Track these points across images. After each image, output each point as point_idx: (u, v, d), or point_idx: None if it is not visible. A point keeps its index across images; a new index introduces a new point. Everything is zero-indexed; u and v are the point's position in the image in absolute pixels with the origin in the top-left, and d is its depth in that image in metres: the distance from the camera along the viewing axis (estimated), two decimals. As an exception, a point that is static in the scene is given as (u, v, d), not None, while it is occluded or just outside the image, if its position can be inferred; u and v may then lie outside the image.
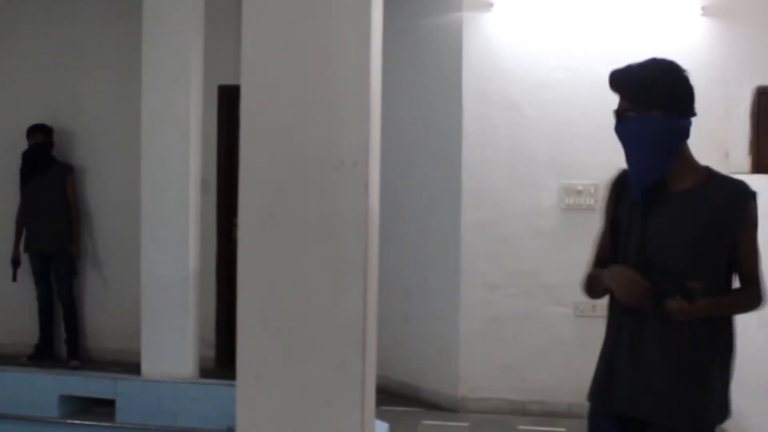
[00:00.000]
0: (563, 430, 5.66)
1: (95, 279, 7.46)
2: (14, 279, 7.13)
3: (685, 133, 2.65)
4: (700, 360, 2.61)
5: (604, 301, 2.83)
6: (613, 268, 2.68)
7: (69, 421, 5.32)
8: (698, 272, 2.58)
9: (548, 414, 5.94)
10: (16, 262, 7.14)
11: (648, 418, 2.64)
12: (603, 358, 2.76)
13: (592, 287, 2.83)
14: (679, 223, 2.63)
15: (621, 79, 2.68)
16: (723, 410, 2.68)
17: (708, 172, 2.69)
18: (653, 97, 2.61)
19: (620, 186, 2.79)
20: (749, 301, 2.69)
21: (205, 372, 5.70)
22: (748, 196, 2.63)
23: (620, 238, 2.74)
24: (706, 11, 5.85)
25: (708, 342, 2.61)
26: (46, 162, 7.14)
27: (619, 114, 2.68)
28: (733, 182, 2.67)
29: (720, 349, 2.65)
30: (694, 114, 2.66)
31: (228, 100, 7.07)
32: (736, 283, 2.71)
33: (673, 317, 2.53)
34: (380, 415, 3.71)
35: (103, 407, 5.45)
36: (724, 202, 2.60)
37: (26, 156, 7.14)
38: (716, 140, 5.76)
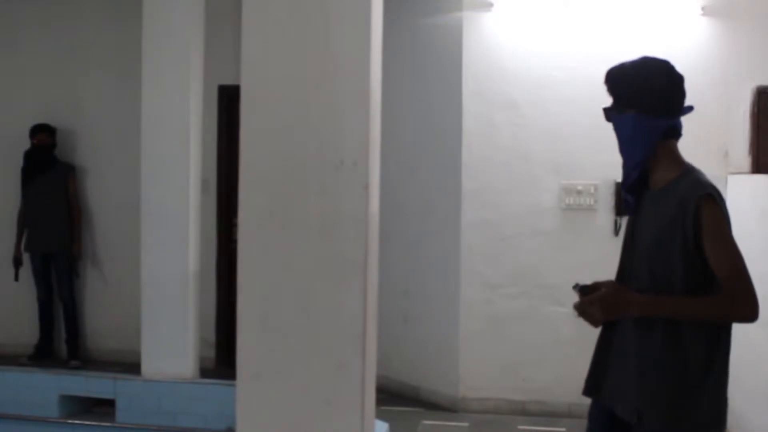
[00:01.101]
0: (563, 430, 5.66)
1: (95, 279, 7.46)
2: (16, 279, 7.13)
3: (662, 133, 2.63)
4: (676, 364, 2.55)
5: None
6: None
7: (69, 421, 5.32)
8: (663, 274, 2.57)
9: (548, 414, 5.94)
10: (17, 262, 7.15)
11: (625, 417, 2.65)
12: (594, 353, 2.83)
13: None
14: (647, 223, 2.66)
15: (608, 77, 2.73)
16: (710, 419, 2.58)
17: (682, 171, 2.64)
18: (629, 96, 2.66)
19: None
20: (717, 307, 2.51)
21: (205, 372, 5.70)
22: (702, 197, 2.52)
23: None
24: (706, 11, 5.85)
25: (686, 346, 2.54)
26: (48, 162, 7.14)
27: (605, 111, 2.77)
28: (694, 183, 2.58)
29: (703, 354, 2.55)
30: (679, 114, 2.65)
31: (228, 100, 7.07)
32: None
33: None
34: (380, 415, 3.71)
35: (103, 407, 5.45)
36: (678, 203, 2.55)
37: (29, 155, 7.14)
38: (716, 140, 5.76)
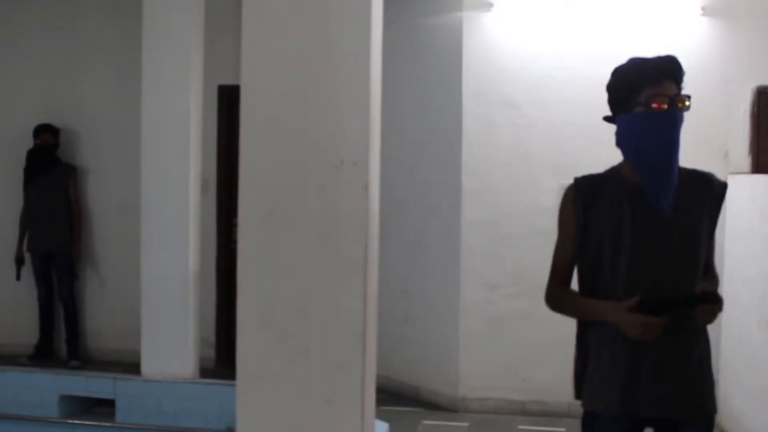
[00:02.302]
0: (563, 430, 5.66)
1: (95, 279, 7.46)
2: (18, 278, 7.14)
3: None
4: (706, 351, 2.68)
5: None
6: (621, 311, 2.54)
7: (69, 421, 5.33)
8: (698, 268, 2.61)
9: (548, 414, 5.94)
10: (19, 261, 7.16)
11: (691, 415, 2.63)
12: (627, 369, 2.64)
13: (570, 310, 2.77)
14: (674, 222, 2.59)
15: (680, 66, 2.60)
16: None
17: None
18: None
19: (586, 194, 2.73)
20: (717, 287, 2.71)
21: (205, 372, 5.70)
22: (725, 185, 2.67)
23: (603, 247, 2.65)
24: (706, 11, 5.85)
25: (705, 333, 2.69)
26: (50, 162, 7.15)
27: (689, 101, 2.58)
28: (708, 175, 2.68)
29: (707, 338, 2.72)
30: None
31: (228, 100, 7.07)
32: None
33: (703, 325, 2.59)
34: (380, 415, 3.71)
35: (103, 407, 5.45)
36: (714, 197, 2.63)
37: (31, 155, 7.14)
38: (716, 140, 5.76)
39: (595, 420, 2.73)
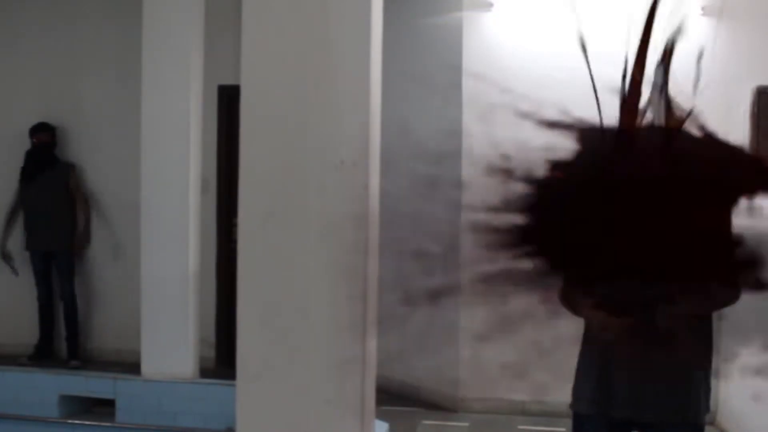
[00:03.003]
0: (563, 430, 5.65)
1: (95, 279, 7.46)
2: (16, 274, 7.12)
3: None
4: (701, 355, 2.65)
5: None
6: (585, 308, 2.63)
7: (69, 421, 5.32)
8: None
9: (548, 414, 5.93)
10: (6, 257, 7.12)
11: (665, 418, 2.62)
12: (594, 366, 2.71)
13: (569, 307, 2.83)
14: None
15: None
16: (708, 402, 2.72)
17: None
18: None
19: None
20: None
21: (205, 372, 5.69)
22: None
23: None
24: (706, 11, 5.84)
25: (701, 336, 2.65)
26: (49, 161, 7.15)
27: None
28: None
29: (704, 342, 2.67)
30: None
31: (228, 100, 7.07)
32: None
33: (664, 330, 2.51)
34: (380, 415, 3.70)
35: (103, 407, 5.45)
36: None
37: (30, 155, 7.14)
38: (716, 140, 5.75)
39: (582, 420, 2.77)
